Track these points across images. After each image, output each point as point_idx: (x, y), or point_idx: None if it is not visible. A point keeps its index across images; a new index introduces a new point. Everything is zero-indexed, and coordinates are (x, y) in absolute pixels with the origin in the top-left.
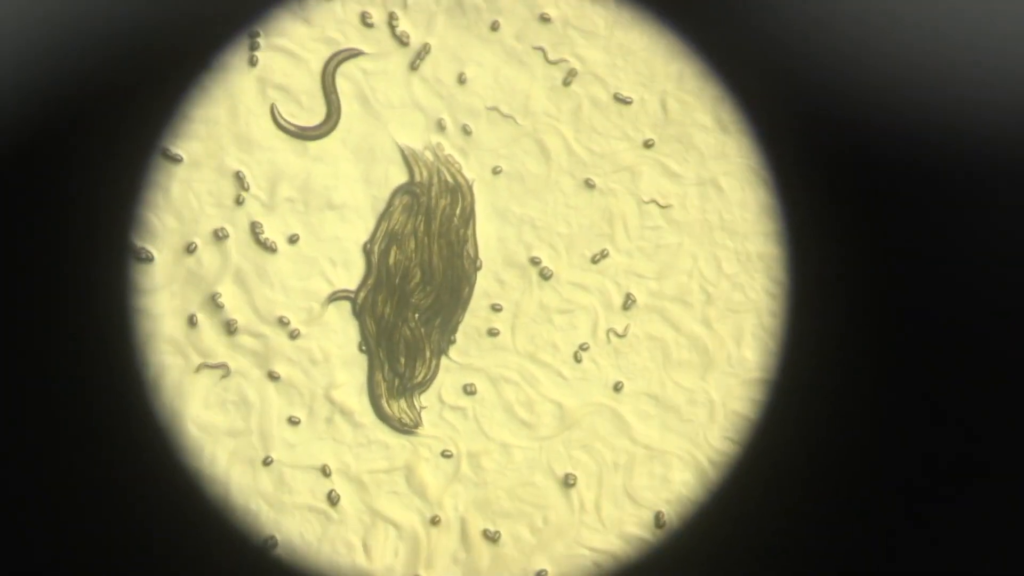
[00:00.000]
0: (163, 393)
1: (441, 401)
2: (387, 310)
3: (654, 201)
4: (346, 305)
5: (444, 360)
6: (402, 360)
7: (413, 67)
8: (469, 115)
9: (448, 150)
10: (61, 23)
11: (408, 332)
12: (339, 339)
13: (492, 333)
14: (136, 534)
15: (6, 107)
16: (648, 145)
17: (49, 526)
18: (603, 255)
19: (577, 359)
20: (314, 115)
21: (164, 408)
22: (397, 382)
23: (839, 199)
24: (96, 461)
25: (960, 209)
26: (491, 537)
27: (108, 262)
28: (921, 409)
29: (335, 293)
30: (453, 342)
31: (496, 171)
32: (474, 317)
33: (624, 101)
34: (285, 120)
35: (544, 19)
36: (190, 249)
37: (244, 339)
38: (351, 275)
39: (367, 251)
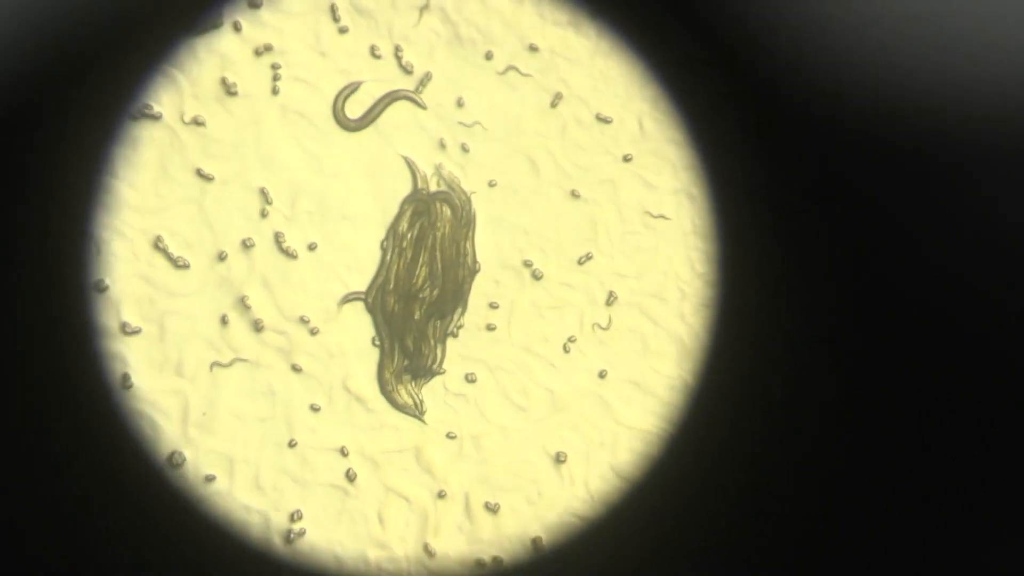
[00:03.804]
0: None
1: (446, 389)
2: (397, 307)
3: (648, 212)
4: (360, 305)
5: (447, 352)
6: (411, 348)
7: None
8: (467, 135)
9: (449, 167)
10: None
11: (415, 326)
12: (354, 335)
13: (490, 328)
14: (129, 531)
15: None
16: (627, 159)
17: (39, 518)
18: (588, 257)
19: (566, 350)
20: (331, 135)
21: (130, 411)
22: (407, 364)
23: (779, 190)
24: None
25: (916, 201)
26: (491, 509)
27: (68, 255)
28: (882, 404)
29: (349, 295)
30: (455, 336)
31: (492, 184)
32: (474, 314)
33: (605, 120)
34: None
35: (533, 49)
36: (222, 257)
37: (270, 336)
38: (364, 278)
39: (382, 249)
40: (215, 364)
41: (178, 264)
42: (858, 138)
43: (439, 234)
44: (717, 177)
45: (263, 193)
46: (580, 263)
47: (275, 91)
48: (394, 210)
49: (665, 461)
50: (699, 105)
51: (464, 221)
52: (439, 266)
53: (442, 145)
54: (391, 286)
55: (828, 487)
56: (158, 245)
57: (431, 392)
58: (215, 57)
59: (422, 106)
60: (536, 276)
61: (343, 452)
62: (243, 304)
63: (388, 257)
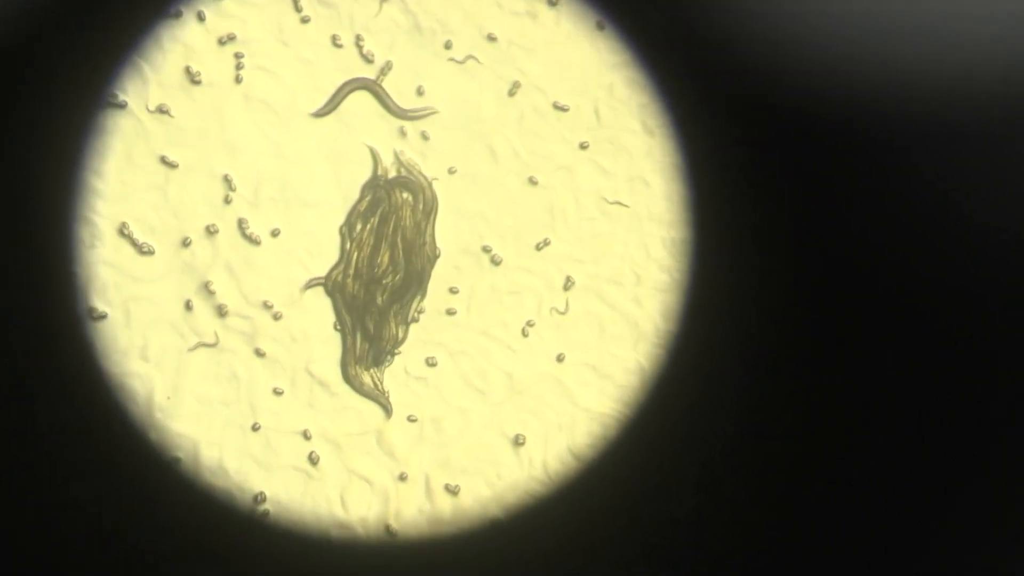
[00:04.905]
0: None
1: (406, 372)
2: (359, 292)
3: (604, 199)
4: (322, 290)
5: (408, 336)
6: (372, 332)
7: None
8: (427, 122)
9: (409, 154)
10: None
11: (377, 311)
12: (316, 320)
13: (450, 312)
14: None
15: None
16: (583, 147)
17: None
18: (546, 243)
19: (524, 334)
20: (293, 123)
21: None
22: (368, 349)
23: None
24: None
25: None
26: (452, 491)
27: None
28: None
29: (312, 280)
30: (416, 320)
31: (451, 171)
32: (434, 299)
33: (562, 109)
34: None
35: (491, 39)
36: (186, 243)
37: (234, 321)
38: (326, 264)
39: (342, 234)
40: (180, 349)
41: (143, 250)
42: (843, 130)
43: (401, 219)
44: (695, 165)
45: (227, 180)
46: (538, 249)
47: (238, 80)
48: (355, 196)
49: (628, 445)
50: (681, 95)
51: (425, 207)
52: (400, 252)
53: (402, 133)
54: (352, 271)
55: (795, 477)
56: (123, 232)
57: (392, 376)
58: (179, 46)
59: (406, 116)
60: (495, 261)
61: (306, 435)
62: (207, 290)
63: (348, 243)
